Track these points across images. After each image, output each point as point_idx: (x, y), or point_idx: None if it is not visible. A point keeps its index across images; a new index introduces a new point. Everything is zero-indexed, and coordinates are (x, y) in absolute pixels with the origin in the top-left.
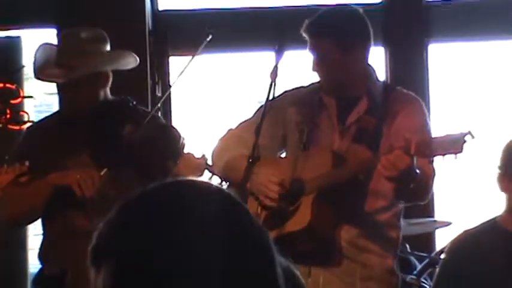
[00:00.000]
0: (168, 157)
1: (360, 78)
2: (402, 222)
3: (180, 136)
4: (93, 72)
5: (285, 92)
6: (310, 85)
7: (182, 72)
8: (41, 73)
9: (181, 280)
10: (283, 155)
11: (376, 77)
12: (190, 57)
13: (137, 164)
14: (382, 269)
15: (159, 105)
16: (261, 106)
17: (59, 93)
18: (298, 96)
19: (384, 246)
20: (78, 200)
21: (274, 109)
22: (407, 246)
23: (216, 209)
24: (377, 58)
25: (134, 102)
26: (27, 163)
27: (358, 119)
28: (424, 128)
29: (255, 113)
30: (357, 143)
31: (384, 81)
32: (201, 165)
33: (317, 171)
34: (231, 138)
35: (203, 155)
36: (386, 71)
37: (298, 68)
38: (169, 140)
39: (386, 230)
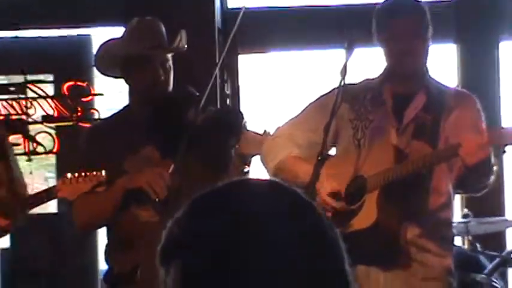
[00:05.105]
0: (231, 135)
1: (421, 73)
2: (473, 221)
3: (242, 115)
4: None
5: (335, 88)
6: (362, 82)
7: None
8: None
9: (250, 280)
10: (334, 150)
11: (430, 75)
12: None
13: (201, 147)
14: (441, 269)
15: (209, 87)
16: (311, 103)
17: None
18: (350, 93)
19: (442, 245)
20: (140, 196)
21: (326, 106)
22: (478, 245)
23: (287, 209)
24: (448, 55)
25: (197, 93)
26: (104, 173)
27: (415, 117)
28: (480, 123)
29: (303, 110)
30: (417, 139)
31: (436, 80)
32: (263, 142)
33: (378, 167)
34: (281, 137)
35: (265, 131)
36: (458, 68)
37: (368, 66)
38: (231, 119)
39: (445, 229)
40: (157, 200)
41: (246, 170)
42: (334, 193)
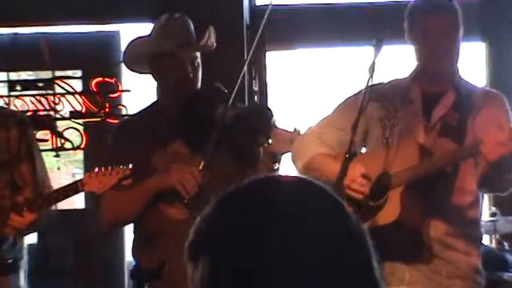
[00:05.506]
0: (260, 133)
1: (451, 72)
2: (500, 219)
3: (271, 113)
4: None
5: (367, 90)
6: (391, 81)
7: None
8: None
9: (275, 279)
10: (364, 149)
11: (460, 75)
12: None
13: (230, 143)
14: (467, 267)
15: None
16: (341, 102)
17: (157, 81)
18: (379, 92)
19: (469, 244)
20: (170, 194)
21: (355, 105)
22: (506, 243)
23: (315, 208)
24: (476, 53)
25: (226, 91)
26: (130, 166)
27: (443, 115)
28: (507, 122)
29: (333, 110)
30: (443, 137)
31: (465, 79)
32: (293, 139)
33: (404, 164)
34: (311, 136)
35: (295, 129)
36: (486, 66)
37: (396, 63)
38: (260, 116)
39: (472, 227)
40: (187, 198)
41: (275, 167)
42: (364, 173)
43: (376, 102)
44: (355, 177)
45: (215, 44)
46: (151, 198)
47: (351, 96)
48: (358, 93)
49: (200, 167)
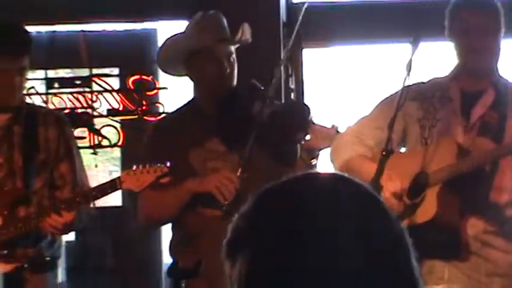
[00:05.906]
0: (298, 129)
1: (491, 70)
2: None
3: (308, 109)
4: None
5: (404, 87)
6: (430, 80)
7: None
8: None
9: (309, 278)
10: (403, 149)
11: (499, 73)
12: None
13: (269, 142)
14: (507, 265)
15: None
16: (380, 102)
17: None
18: (418, 91)
19: (508, 241)
20: (207, 198)
21: (393, 104)
22: None
23: (353, 206)
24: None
25: (262, 87)
26: (168, 164)
27: (483, 115)
28: None
29: (373, 109)
30: (482, 137)
31: (505, 77)
32: (331, 135)
33: (441, 164)
34: (349, 135)
35: (333, 125)
36: None
37: (434, 60)
38: (298, 113)
39: (510, 225)
40: (225, 205)
41: (313, 163)
42: (397, 193)
43: (414, 102)
44: (387, 196)
45: (250, 39)
46: (188, 200)
47: (389, 96)
48: (396, 92)
49: (238, 173)
